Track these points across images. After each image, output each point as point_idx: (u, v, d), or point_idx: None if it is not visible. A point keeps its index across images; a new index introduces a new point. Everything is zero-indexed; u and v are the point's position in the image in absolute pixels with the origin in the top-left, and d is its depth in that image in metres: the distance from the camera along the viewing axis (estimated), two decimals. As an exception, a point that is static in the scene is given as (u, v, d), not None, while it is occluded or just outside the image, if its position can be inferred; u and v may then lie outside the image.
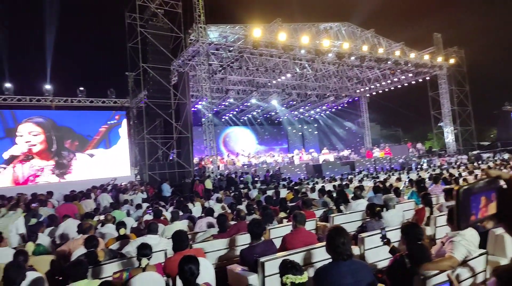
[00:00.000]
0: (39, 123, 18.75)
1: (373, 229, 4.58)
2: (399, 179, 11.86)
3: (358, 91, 28.72)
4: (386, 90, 27.81)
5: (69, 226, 6.51)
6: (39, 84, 19.24)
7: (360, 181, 12.80)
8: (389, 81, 26.28)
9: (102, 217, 7.51)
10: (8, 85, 18.25)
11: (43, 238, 6.12)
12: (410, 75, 25.04)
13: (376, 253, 4.28)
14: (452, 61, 25.05)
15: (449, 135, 26.28)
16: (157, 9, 16.50)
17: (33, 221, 6.90)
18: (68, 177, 19.12)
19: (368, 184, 11.84)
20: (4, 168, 17.46)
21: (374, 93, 28.93)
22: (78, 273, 3.24)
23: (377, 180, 12.03)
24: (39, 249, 5.34)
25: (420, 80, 25.72)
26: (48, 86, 19.25)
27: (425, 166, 20.67)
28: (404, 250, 3.13)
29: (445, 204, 5.45)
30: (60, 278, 4.89)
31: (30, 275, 3.77)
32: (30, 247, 5.24)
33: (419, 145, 29.61)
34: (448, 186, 7.28)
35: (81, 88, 20.25)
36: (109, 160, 20.36)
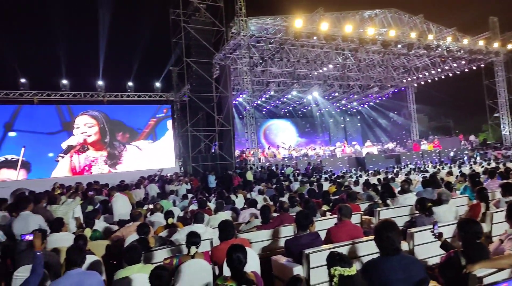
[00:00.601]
0: (94, 116, 19.99)
1: (423, 225, 4.39)
2: (450, 173, 11.21)
3: (404, 80, 27.40)
4: (436, 79, 26.21)
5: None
6: (93, 81, 20.49)
7: (407, 174, 12.28)
8: (439, 70, 24.79)
9: (151, 206, 7.88)
10: (64, 81, 19.61)
11: (99, 224, 6.56)
12: (463, 62, 23.44)
13: (426, 249, 4.12)
14: (510, 46, 23.02)
15: (506, 127, 24.35)
16: (199, 3, 16.82)
17: (90, 208, 7.41)
18: (119, 168, 20.22)
19: (416, 178, 11.33)
20: (62, 157, 18.86)
21: (422, 83, 27.44)
22: (133, 257, 3.44)
23: (426, 174, 11.47)
24: (95, 234, 5.73)
25: (474, 67, 23.95)
26: (100, 82, 20.43)
27: (478, 159, 19.35)
28: (459, 246, 2.97)
29: (503, 199, 5.08)
30: (114, 262, 5.23)
31: (89, 258, 4.07)
32: (87, 232, 5.63)
33: (472, 137, 27.69)
34: (505, 181, 6.77)
35: (130, 84, 21.25)
36: (156, 152, 21.24)
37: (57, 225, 4.95)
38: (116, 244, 5.53)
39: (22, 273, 3.88)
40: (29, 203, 5.01)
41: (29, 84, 18.95)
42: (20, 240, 4.51)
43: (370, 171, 15.72)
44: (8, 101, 18.60)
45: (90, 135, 19.74)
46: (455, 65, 23.97)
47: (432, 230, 3.34)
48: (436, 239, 3.33)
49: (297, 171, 17.92)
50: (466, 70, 24.27)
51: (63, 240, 4.95)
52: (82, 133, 19.55)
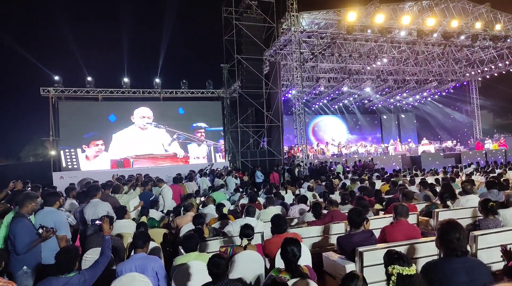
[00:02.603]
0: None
1: (488, 228, 4.12)
2: (518, 175, 10.30)
3: (467, 74, 25.38)
4: (503, 72, 23.95)
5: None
6: (150, 78, 21.75)
7: (469, 175, 11.46)
8: (507, 62, 22.61)
9: (202, 198, 8.20)
10: (126, 80, 20.96)
11: (154, 214, 6.98)
12: (535, 54, 21.24)
13: (491, 253, 3.87)
14: None
15: None
16: (251, 1, 17.01)
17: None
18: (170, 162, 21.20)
19: (479, 179, 10.55)
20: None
21: (487, 77, 25.24)
22: (190, 245, 3.63)
23: (491, 174, 10.62)
24: (152, 222, 6.10)
25: (550, 59, 21.61)
26: (157, 80, 21.54)
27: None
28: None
29: None
30: (170, 249, 5.55)
31: (150, 244, 4.37)
32: (143, 220, 6.01)
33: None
34: None
35: (184, 81, 22.15)
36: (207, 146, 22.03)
37: (121, 212, 5.35)
38: (173, 233, 5.86)
39: (91, 255, 4.27)
40: (98, 191, 5.46)
41: (94, 82, 20.54)
42: (90, 224, 4.96)
43: (427, 170, 14.89)
44: (77, 98, 20.33)
45: (147, 128, 20.92)
46: (526, 57, 21.77)
47: (504, 247, 2.99)
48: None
49: (347, 169, 17.53)
50: (540, 62, 21.94)
51: (126, 227, 5.36)
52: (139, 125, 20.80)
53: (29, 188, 7.28)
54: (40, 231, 3.80)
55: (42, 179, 15.08)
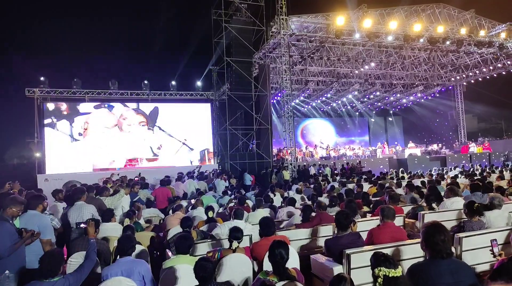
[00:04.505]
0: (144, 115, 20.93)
1: (472, 230, 4.19)
2: (501, 178, 10.51)
3: (452, 79, 25.98)
4: (487, 77, 24.55)
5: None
6: (139, 79, 21.57)
7: (454, 178, 11.67)
8: (491, 68, 23.20)
9: (193, 201, 8.14)
10: (113, 81, 20.69)
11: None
12: (518, 60, 21.81)
13: (475, 255, 3.95)
14: None
15: None
16: (240, 3, 17.04)
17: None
18: (155, 164, 20.84)
19: (463, 181, 10.74)
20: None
21: (472, 81, 25.83)
22: (184, 245, 3.59)
23: (475, 177, 10.84)
24: (136, 226, 6.00)
25: (531, 65, 22.23)
26: (146, 81, 21.35)
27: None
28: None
29: None
30: (158, 253, 5.48)
31: (136, 248, 4.30)
32: (127, 223, 5.91)
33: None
34: None
35: (173, 83, 21.99)
36: (195, 149, 21.82)
37: (107, 215, 5.27)
38: (160, 236, 5.81)
39: (76, 259, 4.18)
40: (83, 193, 5.36)
41: (81, 83, 20.22)
42: (75, 228, 4.86)
43: (414, 173, 15.11)
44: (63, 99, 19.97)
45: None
46: (509, 62, 22.32)
47: (491, 249, 3.11)
48: (495, 258, 3.11)
49: (335, 171, 17.66)
50: (522, 68, 22.56)
51: (112, 230, 5.26)
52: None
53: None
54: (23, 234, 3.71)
55: (27, 181, 14.75)
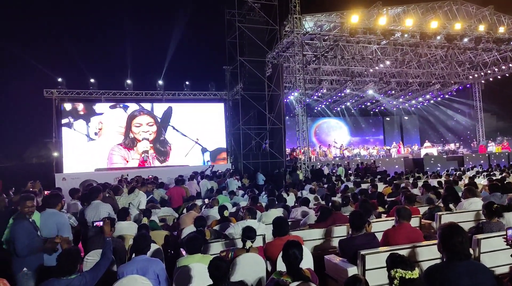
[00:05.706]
0: (152, 116, 21.07)
1: (491, 231, 4.09)
2: (521, 178, 10.23)
3: (470, 77, 25.30)
4: (507, 75, 23.85)
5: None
6: (153, 80, 21.77)
7: (472, 178, 11.40)
8: (510, 65, 22.55)
9: (206, 200, 8.20)
10: (128, 81, 20.99)
11: (155, 216, 6.96)
12: (539, 56, 21.14)
13: (494, 257, 3.85)
14: None
15: None
16: (254, 3, 17.03)
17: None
18: (168, 163, 21.00)
19: (481, 182, 10.48)
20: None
21: (490, 79, 25.14)
22: (194, 246, 3.62)
23: (494, 178, 10.56)
24: (152, 224, 6.08)
25: (554, 62, 21.52)
26: (160, 82, 21.57)
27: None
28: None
29: None
30: (172, 252, 5.53)
31: (151, 247, 4.36)
32: (144, 222, 5.99)
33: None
34: None
35: (187, 83, 22.19)
36: (208, 148, 21.93)
37: (123, 214, 5.35)
38: (174, 235, 5.86)
39: (92, 257, 4.25)
40: (99, 193, 5.47)
41: (97, 84, 20.59)
42: (91, 226, 4.95)
43: (430, 173, 14.83)
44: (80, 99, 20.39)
45: (151, 134, 20.81)
46: (529, 59, 21.70)
47: (504, 236, 3.09)
48: (509, 246, 3.07)
49: (349, 171, 17.49)
50: (543, 65, 21.85)
51: (127, 229, 5.35)
52: (144, 132, 20.66)
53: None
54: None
55: (45, 180, 15.12)
